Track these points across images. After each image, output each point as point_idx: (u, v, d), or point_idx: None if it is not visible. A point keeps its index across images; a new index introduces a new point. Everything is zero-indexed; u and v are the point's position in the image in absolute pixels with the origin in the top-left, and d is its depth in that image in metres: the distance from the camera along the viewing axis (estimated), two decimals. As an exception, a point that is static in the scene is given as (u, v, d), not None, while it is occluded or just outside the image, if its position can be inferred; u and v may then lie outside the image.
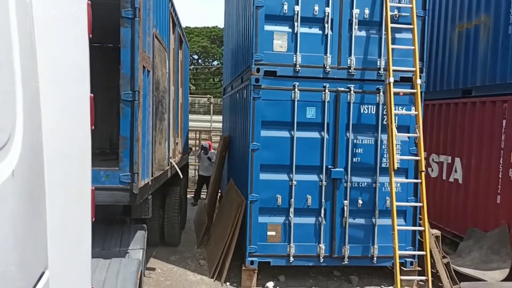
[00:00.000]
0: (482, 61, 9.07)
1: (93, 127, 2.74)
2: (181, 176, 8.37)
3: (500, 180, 8.49)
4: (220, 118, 17.58)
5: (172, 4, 8.20)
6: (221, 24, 50.86)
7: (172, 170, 8.23)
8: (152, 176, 6.08)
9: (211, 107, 18.97)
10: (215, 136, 18.12)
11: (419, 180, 7.00)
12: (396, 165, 6.79)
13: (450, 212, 9.79)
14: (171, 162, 8.14)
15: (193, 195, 14.63)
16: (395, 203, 6.80)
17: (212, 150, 14.27)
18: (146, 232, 6.03)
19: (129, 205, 5.48)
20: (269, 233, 7.48)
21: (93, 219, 2.69)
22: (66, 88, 2.33)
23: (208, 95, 22.18)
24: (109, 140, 9.06)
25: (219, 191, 12.10)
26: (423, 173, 6.94)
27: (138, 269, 4.97)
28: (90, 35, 2.69)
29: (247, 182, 7.52)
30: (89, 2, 2.71)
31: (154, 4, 5.97)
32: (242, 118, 8.59)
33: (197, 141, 17.40)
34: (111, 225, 5.92)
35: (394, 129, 6.82)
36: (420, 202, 7.08)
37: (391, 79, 6.92)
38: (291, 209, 7.43)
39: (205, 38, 45.50)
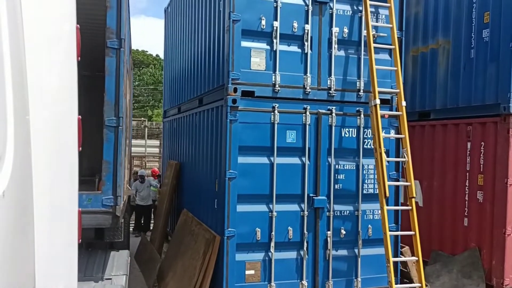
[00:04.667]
0: (442, 85, 9.12)
1: (80, 148, 2.74)
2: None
3: (466, 202, 8.46)
4: (154, 142, 16.40)
5: (130, 27, 7.57)
6: (138, 47, 49.27)
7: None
8: (123, 200, 5.92)
9: (145, 131, 17.59)
10: (149, 162, 16.82)
11: (409, 207, 6.63)
12: (388, 192, 6.36)
13: (409, 236, 9.61)
14: (127, 187, 7.22)
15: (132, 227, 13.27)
16: (388, 233, 6.36)
17: (150, 177, 13.11)
18: (129, 257, 6.23)
19: (101, 229, 5.85)
20: (247, 272, 6.66)
21: (80, 240, 2.70)
22: (54, 110, 2.34)
23: (142, 118, 20.75)
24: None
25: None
26: (413, 200, 6.59)
27: None
28: (79, 58, 2.70)
29: (220, 214, 6.68)
30: (78, 26, 2.73)
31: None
32: (206, 143, 7.75)
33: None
34: (93, 250, 6.08)
35: (384, 154, 6.42)
36: (411, 231, 6.68)
37: (377, 101, 6.56)
38: (272, 244, 6.69)
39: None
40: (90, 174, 8.38)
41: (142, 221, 13.27)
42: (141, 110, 41.95)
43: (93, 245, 6.48)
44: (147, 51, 51.64)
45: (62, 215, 2.45)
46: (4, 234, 1.63)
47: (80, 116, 2.83)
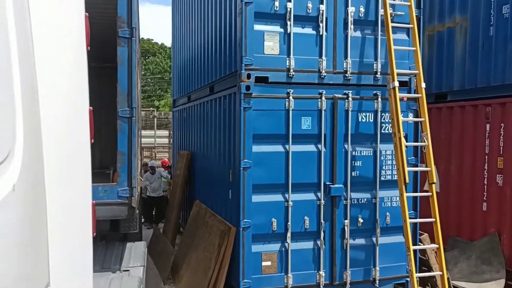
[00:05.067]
0: (460, 65, 8.81)
1: (92, 140, 2.71)
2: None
3: (485, 186, 8.21)
4: (163, 133, 16.19)
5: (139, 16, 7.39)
6: (143, 35, 48.89)
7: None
8: (137, 190, 5.86)
9: (154, 121, 17.36)
10: (159, 153, 16.64)
11: (429, 193, 6.40)
12: (407, 178, 6.13)
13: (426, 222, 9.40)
14: (140, 178, 7.09)
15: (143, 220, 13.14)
16: (408, 221, 6.14)
17: (161, 168, 12.93)
18: (146, 249, 6.15)
19: (116, 220, 5.90)
20: (264, 263, 6.49)
21: (94, 233, 2.67)
22: (65, 101, 2.28)
23: (151, 108, 20.52)
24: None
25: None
26: (433, 185, 6.35)
27: (139, 287, 4.92)
28: (89, 48, 2.64)
29: (235, 205, 6.50)
30: (87, 14, 2.67)
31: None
32: (219, 132, 7.54)
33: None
34: (110, 242, 6.14)
35: (403, 138, 6.17)
36: (429, 217, 6.46)
37: (396, 83, 6.29)
38: (288, 234, 6.50)
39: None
40: (100, 166, 8.24)
41: (154, 213, 13.14)
42: (147, 100, 41.78)
43: (108, 236, 6.51)
44: (152, 40, 51.31)
45: (75, 209, 2.42)
46: (16, 229, 1.62)
47: (91, 108, 2.74)
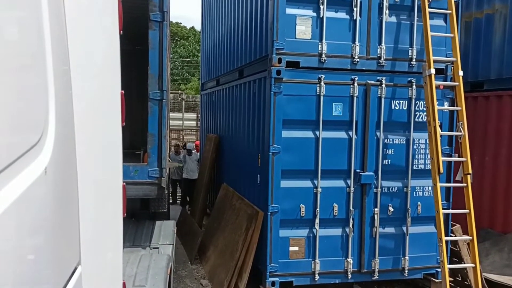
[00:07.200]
0: (497, 53, 8.50)
1: (123, 123, 2.70)
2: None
3: (521, 179, 7.97)
4: (190, 115, 16.29)
5: None
6: (177, 19, 48.94)
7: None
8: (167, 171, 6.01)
9: (182, 103, 17.49)
10: (187, 136, 16.78)
11: (464, 184, 6.24)
12: (442, 168, 5.99)
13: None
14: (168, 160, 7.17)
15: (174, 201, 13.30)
16: (441, 211, 6.01)
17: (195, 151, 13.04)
18: (175, 228, 6.24)
19: (146, 199, 6.04)
20: (291, 248, 6.49)
21: (124, 214, 2.68)
22: (97, 84, 2.28)
23: (179, 91, 20.65)
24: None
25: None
26: (468, 176, 6.19)
27: (168, 264, 4.99)
28: (121, 31, 2.64)
29: (264, 190, 6.49)
30: None
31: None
32: (248, 117, 7.51)
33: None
34: (141, 220, 6.26)
35: (438, 127, 6.02)
36: (462, 208, 6.31)
37: (432, 71, 6.12)
38: (317, 220, 6.47)
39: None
40: (130, 146, 8.35)
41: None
42: (173, 83, 41.97)
43: (137, 214, 6.68)
44: (181, 23, 51.43)
45: (106, 191, 2.44)
46: (47, 211, 1.62)
47: (123, 91, 2.76)
